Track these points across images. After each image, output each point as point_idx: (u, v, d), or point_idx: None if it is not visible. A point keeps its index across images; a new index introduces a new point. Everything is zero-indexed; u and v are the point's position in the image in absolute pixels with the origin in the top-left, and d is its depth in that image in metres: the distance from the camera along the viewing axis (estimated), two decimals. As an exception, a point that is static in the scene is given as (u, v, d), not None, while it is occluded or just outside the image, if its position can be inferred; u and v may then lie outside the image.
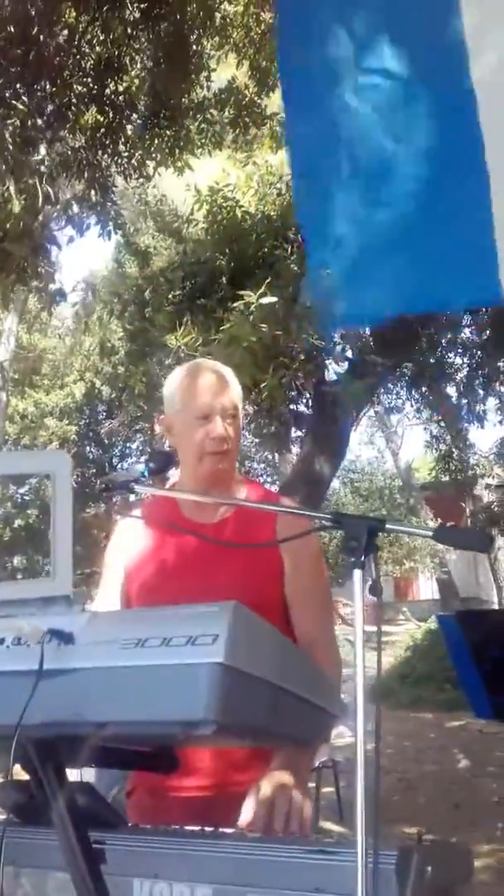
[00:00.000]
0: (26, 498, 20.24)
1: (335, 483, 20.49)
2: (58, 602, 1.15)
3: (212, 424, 1.78)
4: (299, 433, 5.17)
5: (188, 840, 1.28)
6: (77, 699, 1.04)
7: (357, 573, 1.16)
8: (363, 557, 1.17)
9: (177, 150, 5.07)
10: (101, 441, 21.57)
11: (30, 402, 20.73)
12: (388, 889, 1.06)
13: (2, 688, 1.08)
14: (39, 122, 4.01)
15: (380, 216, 3.20)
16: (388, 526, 1.20)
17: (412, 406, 7.96)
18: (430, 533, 1.23)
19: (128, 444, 21.15)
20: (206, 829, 1.45)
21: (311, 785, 5.09)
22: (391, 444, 24.94)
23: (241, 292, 3.62)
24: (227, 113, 5.91)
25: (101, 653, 1.05)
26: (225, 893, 1.15)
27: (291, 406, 4.71)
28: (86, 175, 4.52)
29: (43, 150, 4.06)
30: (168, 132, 4.99)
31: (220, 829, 1.46)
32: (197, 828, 1.44)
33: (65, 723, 1.05)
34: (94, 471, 20.05)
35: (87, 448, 21.53)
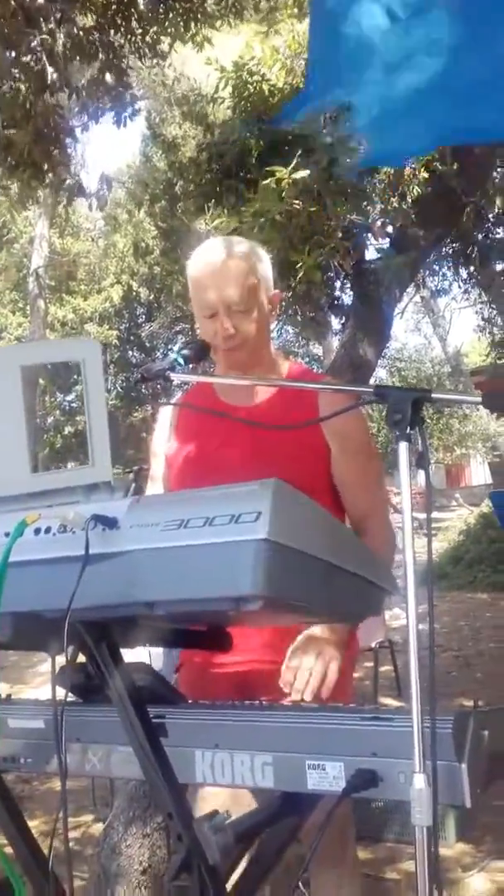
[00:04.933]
0: (73, 406, 20.53)
1: (382, 373, 20.27)
2: (100, 488, 1.14)
3: (217, 322, 1.73)
4: (340, 322, 5.04)
5: (246, 711, 1.32)
6: (123, 581, 1.04)
7: (403, 446, 1.12)
8: (409, 429, 1.13)
9: (192, 24, 4.76)
10: (143, 344, 21.56)
11: (69, 308, 20.72)
12: (445, 752, 1.07)
13: (51, 574, 1.10)
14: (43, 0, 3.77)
15: (410, 41, 2.97)
16: (433, 395, 1.15)
17: (459, 287, 7.66)
18: (479, 399, 1.17)
19: (169, 346, 21.13)
20: (263, 701, 1.49)
21: (370, 664, 5.29)
22: (439, 329, 24.41)
23: (272, 168, 3.44)
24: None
25: (145, 535, 1.04)
26: (284, 760, 1.17)
27: (329, 290, 4.56)
28: (99, 57, 4.28)
29: (49, 27, 3.83)
30: (182, 4, 4.67)
31: (277, 702, 1.50)
32: (254, 701, 1.48)
33: (113, 604, 1.06)
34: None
35: (130, 352, 21.58)
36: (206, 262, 1.76)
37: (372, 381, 5.01)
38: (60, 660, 1.20)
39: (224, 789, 1.44)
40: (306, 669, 1.54)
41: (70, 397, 20.90)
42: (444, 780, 1.06)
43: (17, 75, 3.88)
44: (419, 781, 1.04)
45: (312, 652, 1.56)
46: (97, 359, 1.13)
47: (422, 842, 1.06)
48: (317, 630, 1.60)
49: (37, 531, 1.13)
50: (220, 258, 1.76)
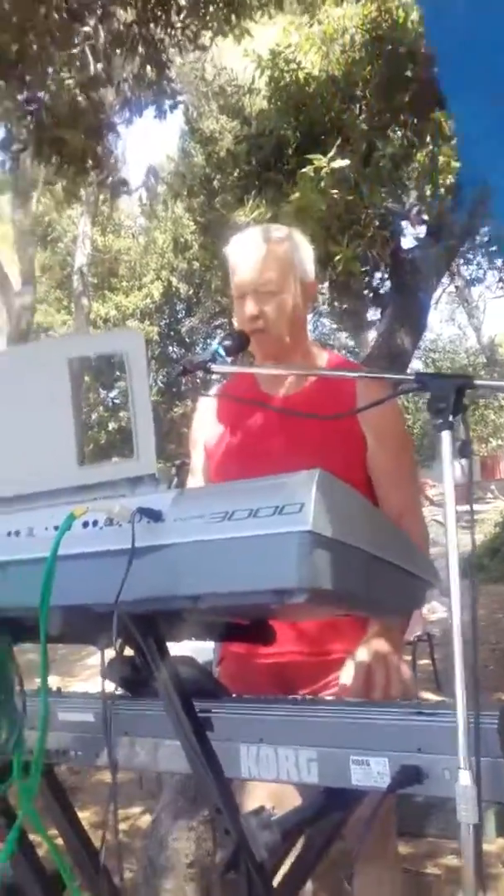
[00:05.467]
0: (117, 402, 20.71)
1: (417, 364, 20.06)
2: (145, 481, 1.14)
3: (246, 303, 1.72)
4: (377, 314, 4.99)
5: (291, 706, 1.31)
6: (170, 574, 1.05)
7: (446, 435, 1.11)
8: (451, 417, 1.11)
9: (233, 16, 4.73)
10: (183, 340, 21.64)
11: (111, 305, 20.88)
12: (490, 748, 1.06)
13: (98, 567, 1.10)
14: (85, -4, 3.79)
15: None
16: (476, 382, 1.13)
17: (494, 277, 7.53)
18: (524, 387, 1.15)
19: (209, 341, 21.18)
20: (307, 696, 1.48)
21: (408, 657, 5.24)
22: (473, 319, 24.10)
23: (311, 156, 3.41)
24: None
25: (190, 528, 1.04)
26: (328, 756, 1.17)
27: (368, 280, 4.53)
28: (140, 51, 4.28)
29: (92, 23, 3.84)
30: (222, -4, 4.65)
31: (321, 696, 1.49)
32: (298, 696, 1.48)
33: (160, 598, 1.06)
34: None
35: (170, 347, 21.66)
36: (239, 246, 1.77)
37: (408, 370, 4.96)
38: (109, 652, 1.21)
39: (268, 784, 1.43)
40: (380, 688, 1.49)
41: (113, 394, 21.08)
42: (489, 777, 1.05)
43: (64, 71, 3.89)
44: (465, 778, 1.03)
45: (380, 667, 1.52)
46: (141, 351, 1.13)
47: (467, 839, 1.05)
48: (380, 642, 1.57)
49: (84, 524, 1.14)
50: (255, 241, 1.76)
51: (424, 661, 5.48)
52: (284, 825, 1.14)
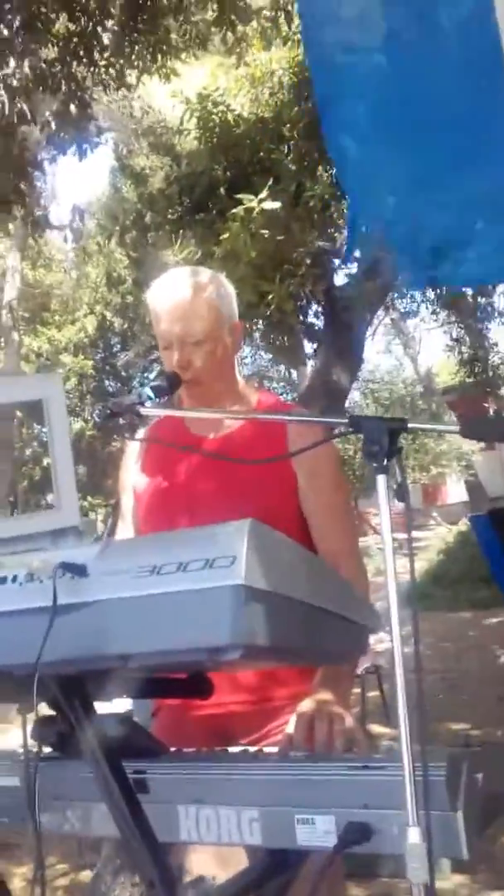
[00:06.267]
0: (51, 437, 20.35)
1: (355, 395, 20.39)
2: (67, 534, 1.10)
3: (173, 354, 1.69)
4: (313, 347, 5.03)
5: (231, 763, 1.25)
6: (96, 632, 0.99)
7: (381, 478, 1.08)
8: (386, 461, 1.09)
9: (159, 56, 4.77)
10: (119, 373, 21.50)
11: (43, 339, 20.66)
12: (438, 801, 1.02)
13: (18, 626, 1.04)
14: (6, 33, 3.76)
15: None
16: (410, 426, 1.11)
17: (427, 309, 7.72)
18: (457, 429, 1.13)
19: (146, 375, 21.07)
20: (249, 749, 1.42)
21: (357, 690, 5.21)
22: (409, 350, 24.66)
23: (241, 196, 3.43)
24: (209, 11, 5.54)
25: (117, 583, 0.99)
26: (272, 815, 1.11)
27: (302, 317, 4.56)
28: (63, 89, 4.27)
29: (13, 63, 3.81)
30: (148, 37, 4.69)
31: (263, 750, 1.44)
32: (239, 749, 1.42)
33: (86, 658, 1.01)
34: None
35: (106, 381, 21.50)
36: (161, 294, 1.73)
37: (346, 404, 4.98)
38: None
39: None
40: (321, 741, 1.42)
41: (47, 429, 20.72)
42: (439, 831, 1.01)
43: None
44: (414, 835, 0.98)
45: (322, 718, 1.45)
46: (60, 396, 1.08)
47: (419, 897, 1.00)
48: (323, 693, 1.52)
49: (3, 580, 1.08)
50: (176, 289, 1.72)
51: (374, 694, 5.46)
52: (227, 893, 1.08)
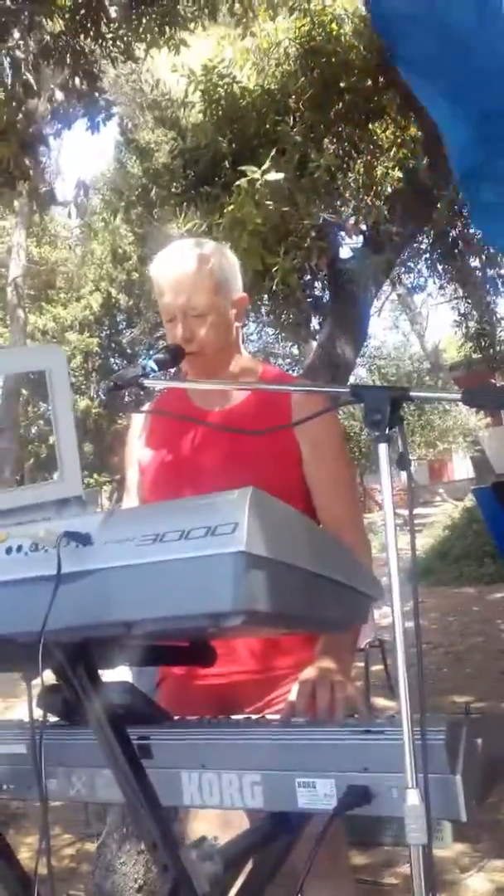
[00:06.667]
0: (56, 415, 20.34)
1: (361, 371, 20.27)
2: (71, 504, 1.10)
3: (176, 326, 1.69)
4: (318, 322, 5.01)
5: (233, 729, 1.28)
6: (100, 600, 1.00)
7: (382, 447, 1.09)
8: (388, 430, 1.09)
9: (167, 28, 4.71)
10: (125, 351, 21.44)
11: (48, 317, 20.59)
12: (438, 765, 1.03)
13: (23, 595, 1.05)
14: (11, 4, 3.70)
15: None
16: (412, 394, 1.11)
17: (435, 283, 7.63)
18: (459, 396, 1.13)
19: (151, 352, 20.95)
20: (251, 717, 1.45)
21: (360, 664, 5.26)
22: (416, 326, 24.50)
23: (245, 168, 3.40)
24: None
25: (120, 551, 1.00)
26: (273, 779, 1.14)
27: (308, 291, 4.54)
28: (68, 62, 4.22)
29: (17, 35, 3.77)
30: (155, 7, 4.61)
31: (265, 717, 1.46)
32: (241, 717, 1.44)
33: (90, 625, 1.02)
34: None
35: (112, 359, 21.46)
36: (164, 266, 1.72)
37: (351, 380, 4.97)
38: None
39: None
40: (322, 708, 1.44)
41: (49, 400, 20.67)
42: (438, 794, 1.03)
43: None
44: (412, 797, 1.00)
45: (324, 686, 1.47)
46: (63, 368, 1.09)
47: (417, 859, 1.02)
48: (326, 661, 1.54)
49: (8, 550, 1.09)
50: (179, 262, 1.71)
51: (377, 667, 5.50)
52: (228, 854, 1.10)
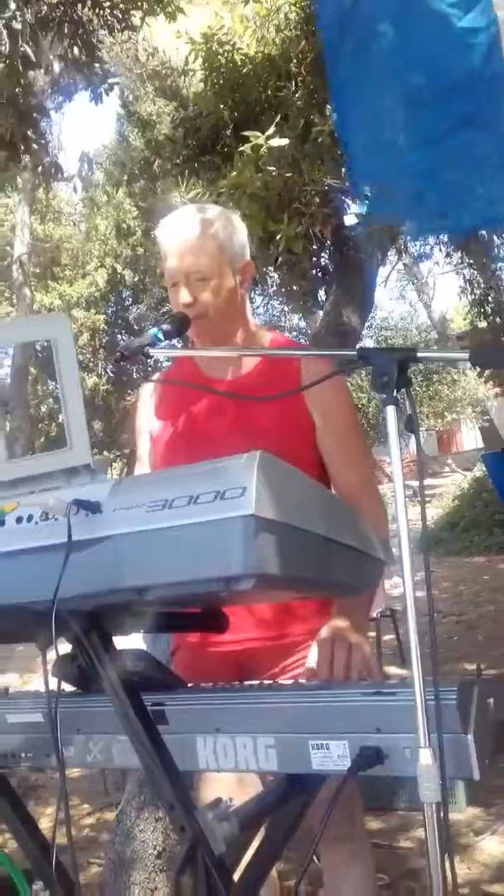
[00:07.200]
0: (66, 393, 20.34)
1: (369, 343, 20.16)
2: (80, 472, 1.10)
3: (178, 291, 1.68)
4: (324, 293, 4.96)
5: (246, 693, 1.29)
6: (111, 567, 1.01)
7: (391, 409, 1.08)
8: (396, 392, 1.08)
9: (164, -6, 4.63)
10: (131, 327, 21.35)
11: (54, 295, 20.51)
12: (450, 724, 1.04)
13: (35, 564, 1.06)
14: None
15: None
16: (419, 354, 1.11)
17: (441, 251, 7.54)
18: (465, 355, 1.13)
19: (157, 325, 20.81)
20: (264, 682, 1.46)
21: (372, 634, 5.29)
22: (423, 295, 24.31)
23: (248, 133, 3.35)
24: None
25: (130, 518, 1.00)
26: (287, 742, 1.15)
27: (314, 260, 4.49)
28: (66, 31, 4.15)
29: (13, 5, 3.71)
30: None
31: (277, 681, 1.47)
32: (255, 682, 1.45)
33: (102, 592, 1.03)
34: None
35: (118, 335, 21.40)
36: (169, 231, 1.72)
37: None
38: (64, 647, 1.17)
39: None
40: (340, 665, 1.48)
41: (56, 370, 20.65)
42: (450, 753, 1.04)
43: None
44: (425, 757, 1.01)
45: (342, 646, 1.50)
46: (69, 337, 1.08)
47: (431, 817, 1.03)
48: (341, 622, 1.55)
49: (18, 520, 1.09)
50: (183, 226, 1.71)
51: (389, 637, 5.54)
52: (244, 815, 1.12)
